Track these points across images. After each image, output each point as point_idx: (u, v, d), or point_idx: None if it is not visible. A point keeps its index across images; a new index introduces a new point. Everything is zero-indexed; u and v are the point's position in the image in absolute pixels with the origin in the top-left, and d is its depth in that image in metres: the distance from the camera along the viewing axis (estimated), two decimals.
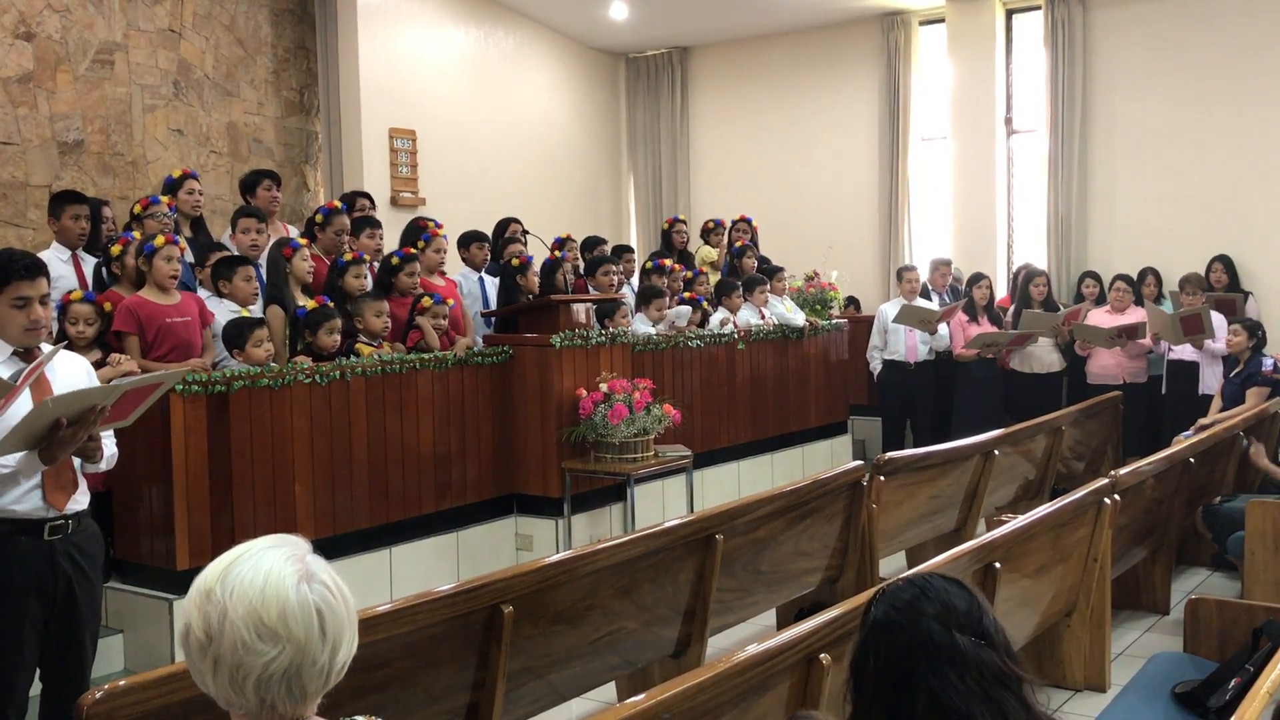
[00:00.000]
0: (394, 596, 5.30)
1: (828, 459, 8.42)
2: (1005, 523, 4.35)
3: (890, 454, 5.50)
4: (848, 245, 10.51)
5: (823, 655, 2.97)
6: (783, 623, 5.01)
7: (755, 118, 11.42)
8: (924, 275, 9.14)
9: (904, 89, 10.50)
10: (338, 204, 6.80)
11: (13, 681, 3.46)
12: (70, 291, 5.30)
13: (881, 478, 5.27)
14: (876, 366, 8.84)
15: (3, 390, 3.09)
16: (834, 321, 8.89)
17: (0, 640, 3.42)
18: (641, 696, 2.60)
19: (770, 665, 2.87)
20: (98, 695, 2.46)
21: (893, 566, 5.65)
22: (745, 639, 4.26)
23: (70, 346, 4.84)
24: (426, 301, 6.18)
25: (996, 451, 6.20)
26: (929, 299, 8.96)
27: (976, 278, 8.90)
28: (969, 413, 8.43)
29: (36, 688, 3.60)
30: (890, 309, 8.72)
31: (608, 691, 4.35)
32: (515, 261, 6.86)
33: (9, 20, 7.52)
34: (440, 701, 3.30)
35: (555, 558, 3.67)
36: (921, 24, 10.57)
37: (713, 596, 4.26)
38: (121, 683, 2.56)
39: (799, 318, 8.39)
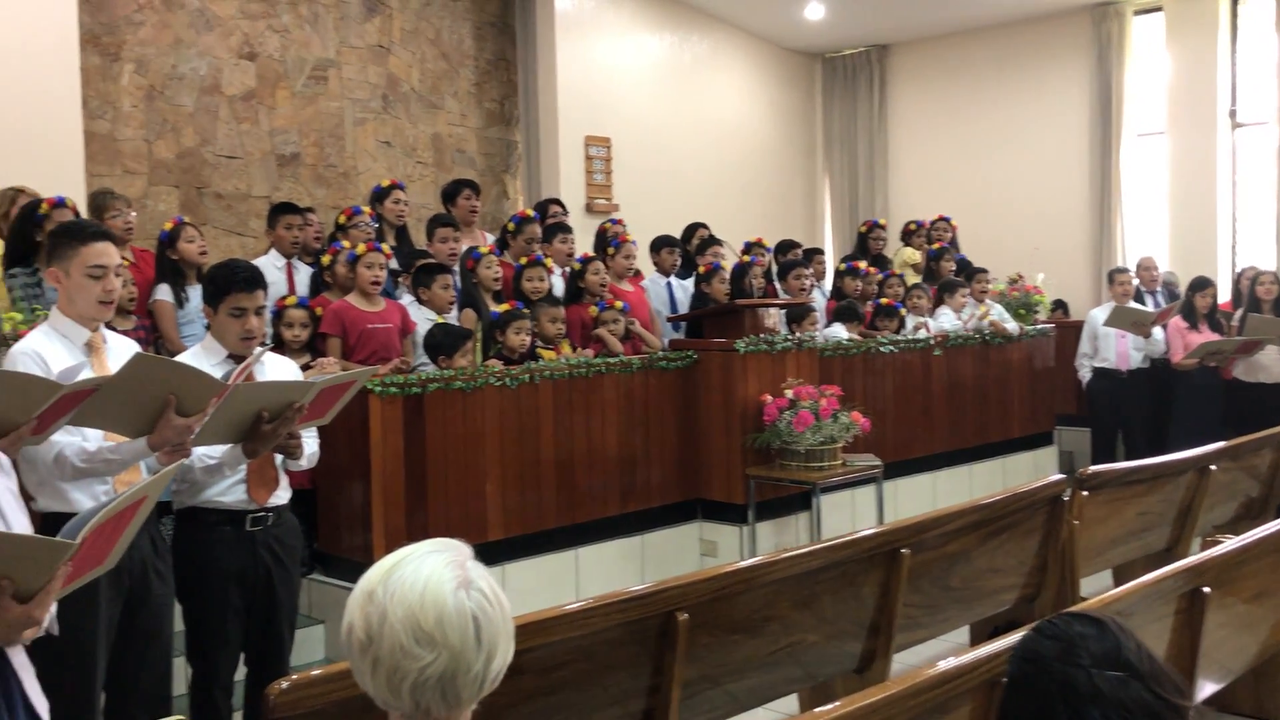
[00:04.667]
0: (580, 597, 5.38)
1: (1031, 471, 8.06)
2: (1220, 543, 4.05)
3: (1093, 468, 5.21)
4: (1056, 247, 10.08)
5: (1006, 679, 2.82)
6: (977, 640, 4.81)
7: (957, 116, 11.07)
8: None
9: (1117, 83, 9.98)
10: (529, 212, 6.96)
11: (218, 663, 3.69)
12: (284, 297, 5.60)
13: (1084, 492, 5.00)
14: (1085, 375, 8.40)
15: (215, 389, 3.28)
16: (1040, 327, 8.51)
17: (205, 624, 3.66)
18: (818, 710, 2.54)
19: (949, 688, 2.74)
20: (284, 685, 2.56)
21: (1096, 585, 5.34)
22: (936, 655, 4.10)
23: (285, 349, 5.13)
24: (593, 310, 6.26)
25: (1214, 467, 5.79)
26: (1142, 302, 8.46)
27: (1201, 283, 8.24)
28: (1187, 425, 7.89)
29: (242, 672, 3.83)
30: (1101, 313, 8.27)
31: (790, 703, 4.28)
32: (701, 269, 6.87)
33: (235, 42, 8.03)
34: (616, 705, 3.31)
35: (731, 567, 3.62)
36: (1136, 14, 10.03)
37: (898, 612, 4.12)
38: (316, 672, 2.66)
39: (1012, 324, 8.12)
